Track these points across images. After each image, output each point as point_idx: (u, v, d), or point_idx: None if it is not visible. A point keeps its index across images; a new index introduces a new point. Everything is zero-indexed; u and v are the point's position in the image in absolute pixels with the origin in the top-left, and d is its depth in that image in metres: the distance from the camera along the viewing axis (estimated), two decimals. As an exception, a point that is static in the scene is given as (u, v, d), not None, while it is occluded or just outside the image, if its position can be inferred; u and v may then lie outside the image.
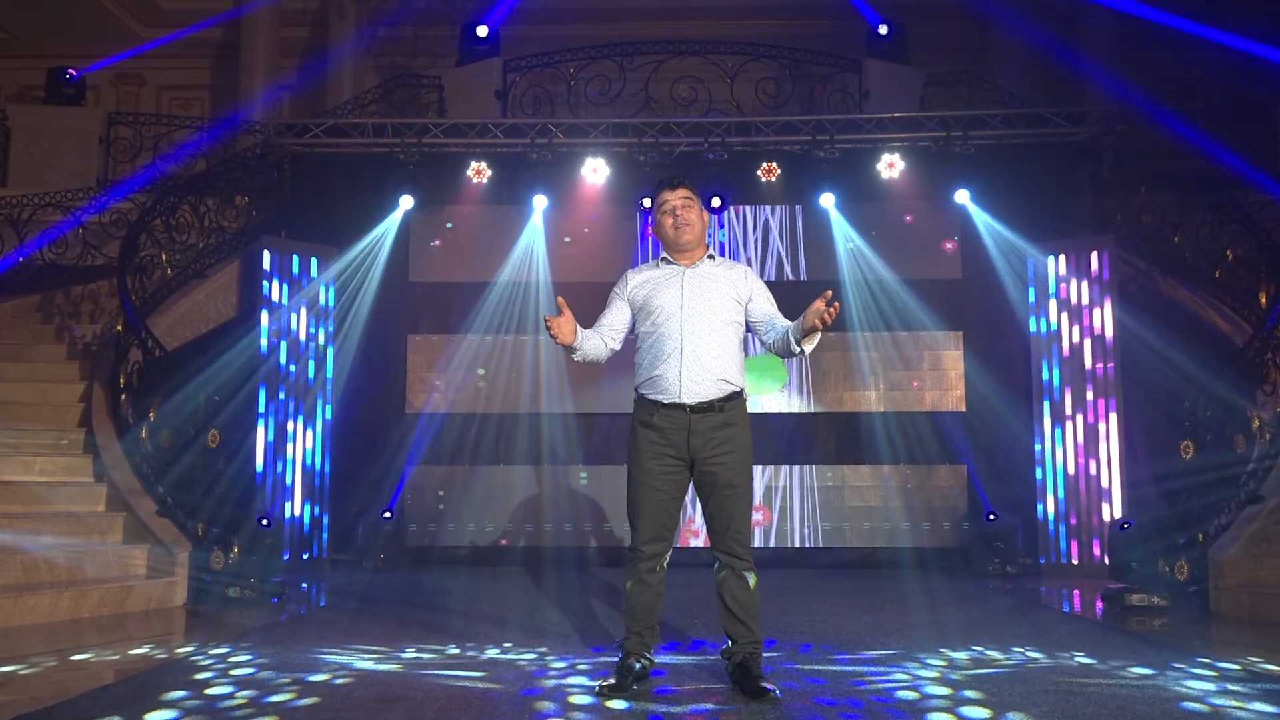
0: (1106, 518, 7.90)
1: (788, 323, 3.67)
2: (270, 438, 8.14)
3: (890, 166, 8.86)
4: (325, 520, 8.56)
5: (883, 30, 10.36)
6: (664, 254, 3.86)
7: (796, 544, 8.84)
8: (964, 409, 8.93)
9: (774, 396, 8.99)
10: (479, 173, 9.03)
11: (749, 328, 3.85)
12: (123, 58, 11.34)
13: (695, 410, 3.64)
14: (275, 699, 3.47)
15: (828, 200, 9.00)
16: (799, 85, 10.46)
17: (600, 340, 3.82)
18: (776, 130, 9.09)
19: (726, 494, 3.65)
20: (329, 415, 8.69)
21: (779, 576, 7.73)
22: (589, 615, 5.73)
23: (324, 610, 6.18)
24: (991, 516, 8.32)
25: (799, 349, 3.59)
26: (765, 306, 3.80)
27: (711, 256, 3.85)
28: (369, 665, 4.12)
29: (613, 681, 3.60)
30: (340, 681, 3.79)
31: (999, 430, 8.70)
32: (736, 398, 3.72)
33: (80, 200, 9.23)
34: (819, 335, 3.55)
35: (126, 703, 3.41)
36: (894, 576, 7.95)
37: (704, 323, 3.67)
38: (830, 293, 3.46)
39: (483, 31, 10.04)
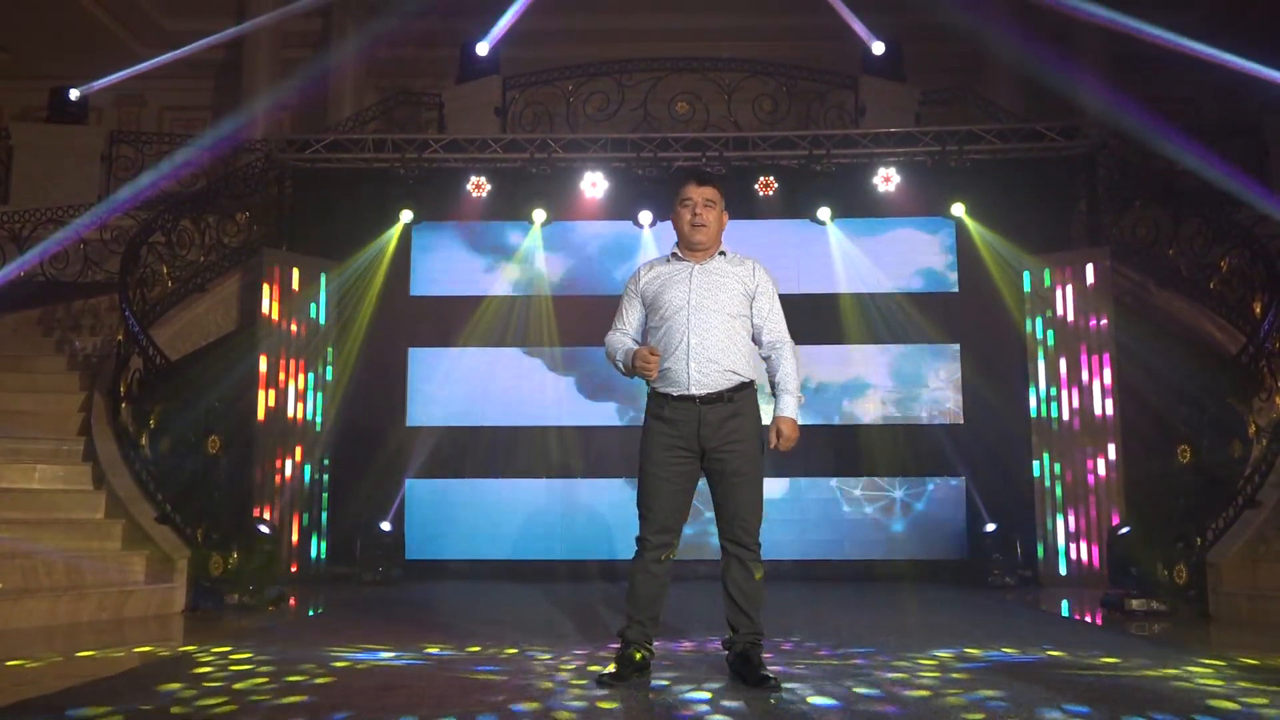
0: (1105, 528, 7.88)
1: (777, 375, 3.82)
2: (270, 447, 8.14)
3: (886, 180, 8.92)
4: (324, 531, 8.54)
5: (878, 49, 10.49)
6: (675, 249, 3.90)
7: (794, 557, 8.80)
8: (961, 421, 8.94)
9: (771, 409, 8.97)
10: (479, 187, 9.07)
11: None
12: (124, 76, 11.40)
13: (705, 401, 3.67)
14: (273, 690, 3.46)
15: (824, 214, 9.07)
16: (795, 103, 10.54)
17: (633, 346, 3.85)
18: (773, 145, 9.18)
19: (734, 482, 3.67)
20: (329, 427, 8.70)
21: (776, 589, 7.66)
22: (589, 617, 5.73)
23: (323, 616, 6.17)
24: (990, 528, 8.29)
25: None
26: (764, 306, 3.82)
27: (724, 253, 3.88)
28: (368, 659, 4.12)
29: (613, 670, 3.61)
30: (340, 668, 3.79)
31: (996, 442, 8.68)
32: (746, 388, 3.74)
33: (81, 214, 9.29)
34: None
35: (124, 693, 3.40)
36: (893, 588, 7.92)
37: (710, 317, 3.70)
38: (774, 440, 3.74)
39: (483, 49, 10.16)
